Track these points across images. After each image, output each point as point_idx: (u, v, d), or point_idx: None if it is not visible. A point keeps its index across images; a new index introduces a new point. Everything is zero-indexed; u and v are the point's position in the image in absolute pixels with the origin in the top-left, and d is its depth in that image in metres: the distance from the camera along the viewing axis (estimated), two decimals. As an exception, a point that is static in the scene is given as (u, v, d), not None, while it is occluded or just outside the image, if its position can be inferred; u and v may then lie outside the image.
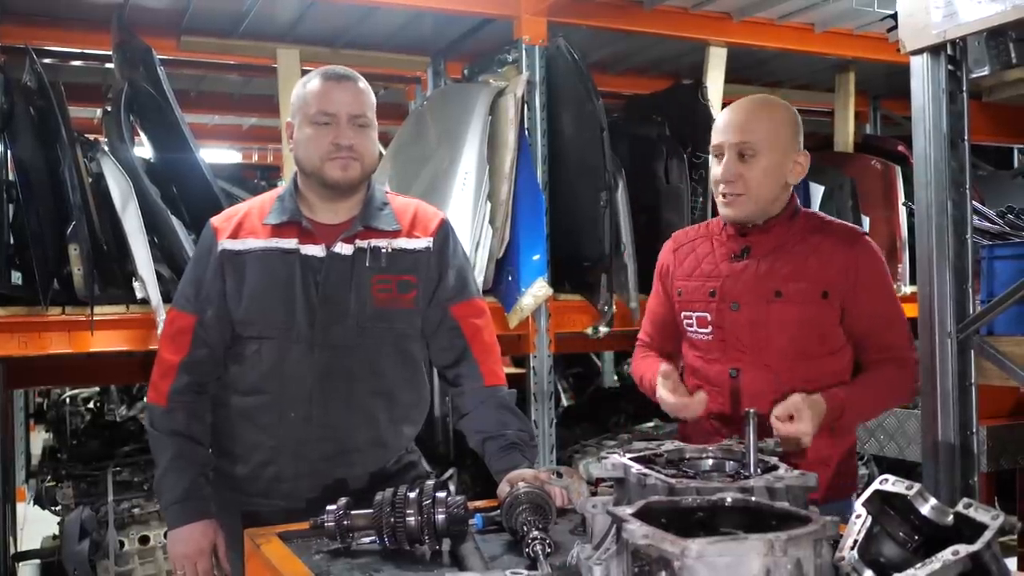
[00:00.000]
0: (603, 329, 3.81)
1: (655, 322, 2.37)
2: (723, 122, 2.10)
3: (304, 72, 4.12)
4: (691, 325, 2.21)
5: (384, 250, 2.08)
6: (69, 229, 2.98)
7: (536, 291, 3.64)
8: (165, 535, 3.97)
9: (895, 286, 4.84)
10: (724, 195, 2.09)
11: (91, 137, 3.70)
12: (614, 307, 3.80)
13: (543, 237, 3.71)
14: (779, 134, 2.08)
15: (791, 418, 1.93)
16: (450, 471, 4.20)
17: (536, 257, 3.68)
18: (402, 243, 2.11)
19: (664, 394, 2.10)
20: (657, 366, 2.19)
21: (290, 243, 2.06)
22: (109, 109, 3.55)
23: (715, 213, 4.06)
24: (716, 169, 2.11)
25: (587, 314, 3.91)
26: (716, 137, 2.11)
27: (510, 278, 3.70)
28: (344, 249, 2.06)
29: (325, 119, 2.02)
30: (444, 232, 2.18)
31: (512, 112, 3.69)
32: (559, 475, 1.83)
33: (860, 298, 2.08)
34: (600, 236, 3.71)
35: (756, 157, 2.05)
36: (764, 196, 2.08)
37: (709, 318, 2.16)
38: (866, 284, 2.08)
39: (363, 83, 2.09)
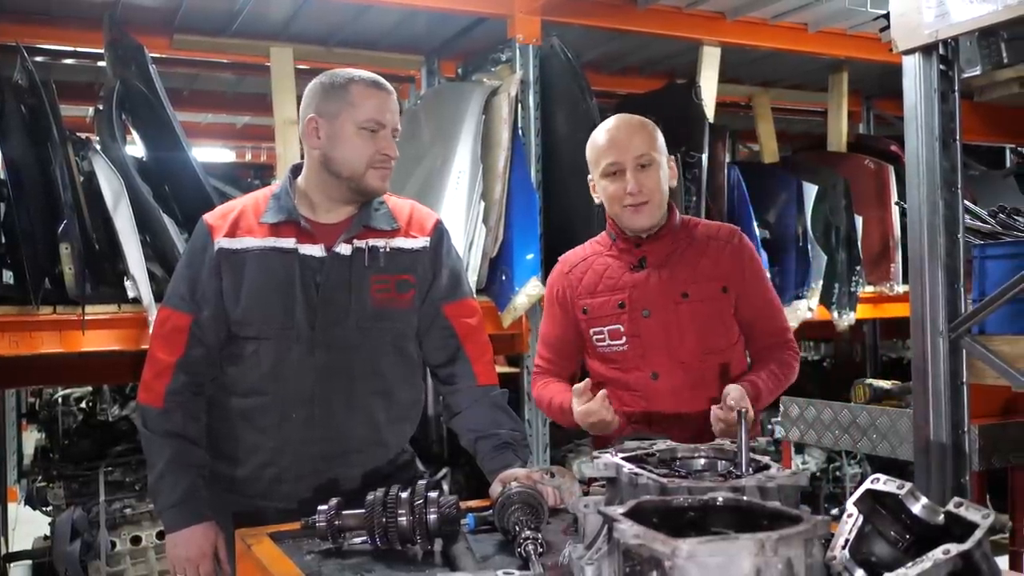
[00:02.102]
0: (596, 328, 3.81)
1: (552, 345, 2.41)
2: (610, 143, 2.23)
3: (299, 71, 4.14)
4: (603, 340, 2.28)
5: (382, 250, 2.07)
6: (60, 228, 2.97)
7: (530, 290, 3.64)
8: (157, 535, 4.00)
9: (888, 285, 4.92)
10: (631, 206, 2.20)
11: (83, 136, 3.68)
12: (607, 306, 3.80)
13: (537, 236, 3.71)
14: (658, 143, 2.24)
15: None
16: (444, 471, 4.19)
17: (530, 256, 3.68)
18: (399, 243, 2.10)
19: (578, 408, 2.14)
20: (564, 389, 2.26)
21: (288, 243, 2.04)
22: (101, 107, 3.53)
23: (709, 211, 4.08)
24: (614, 186, 2.21)
25: (580, 313, 3.90)
26: (608, 157, 2.22)
27: (504, 277, 3.70)
28: (343, 249, 2.05)
29: (374, 127, 2.02)
30: (439, 232, 2.18)
31: (506, 111, 3.69)
32: (551, 475, 1.83)
33: (749, 287, 2.26)
34: (594, 235, 3.71)
35: (652, 166, 2.20)
36: (662, 201, 2.24)
37: (622, 329, 2.25)
38: (752, 275, 2.26)
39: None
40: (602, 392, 2.13)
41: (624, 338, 2.24)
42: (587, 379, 2.20)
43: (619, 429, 2.24)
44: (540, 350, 2.45)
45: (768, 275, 2.36)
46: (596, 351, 2.31)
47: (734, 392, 2.02)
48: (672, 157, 2.28)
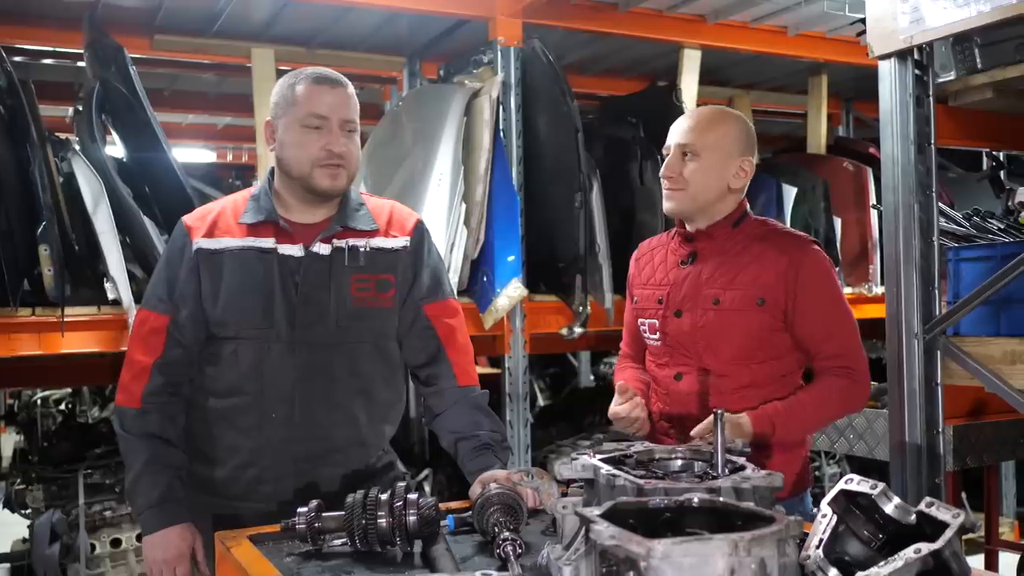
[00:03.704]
0: (578, 330, 3.83)
1: (630, 332, 2.44)
2: (675, 126, 2.24)
3: (280, 72, 4.13)
4: (645, 332, 2.30)
5: (362, 249, 2.07)
6: (39, 229, 2.95)
7: (511, 292, 3.65)
8: (138, 538, 3.98)
9: (867, 286, 4.95)
10: (665, 190, 2.21)
11: (62, 136, 3.66)
12: (589, 308, 3.82)
13: (518, 238, 3.72)
14: (722, 138, 2.17)
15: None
16: (425, 472, 4.19)
17: (511, 258, 3.69)
18: (379, 242, 2.10)
19: (611, 407, 2.18)
20: (633, 375, 2.30)
21: (267, 242, 2.04)
22: (80, 108, 3.52)
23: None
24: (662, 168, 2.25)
25: (562, 315, 3.92)
26: (667, 140, 2.25)
27: (485, 279, 3.71)
28: (322, 249, 2.05)
29: (316, 123, 2.00)
30: (420, 232, 2.18)
31: (487, 113, 3.70)
32: (531, 476, 1.84)
33: (800, 304, 2.12)
34: (575, 237, 3.73)
35: (696, 157, 2.16)
36: (702, 194, 2.17)
37: (657, 324, 2.24)
38: (806, 290, 2.12)
39: (351, 88, 2.08)
40: (637, 399, 2.15)
41: (657, 333, 2.24)
42: (624, 381, 2.21)
43: (648, 427, 2.25)
44: (624, 335, 2.48)
45: (840, 293, 2.20)
46: (645, 341, 2.33)
47: (704, 425, 1.97)
48: (749, 158, 2.20)
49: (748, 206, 2.25)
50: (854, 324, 2.19)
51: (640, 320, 2.30)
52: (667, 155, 2.22)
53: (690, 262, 2.22)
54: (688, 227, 2.24)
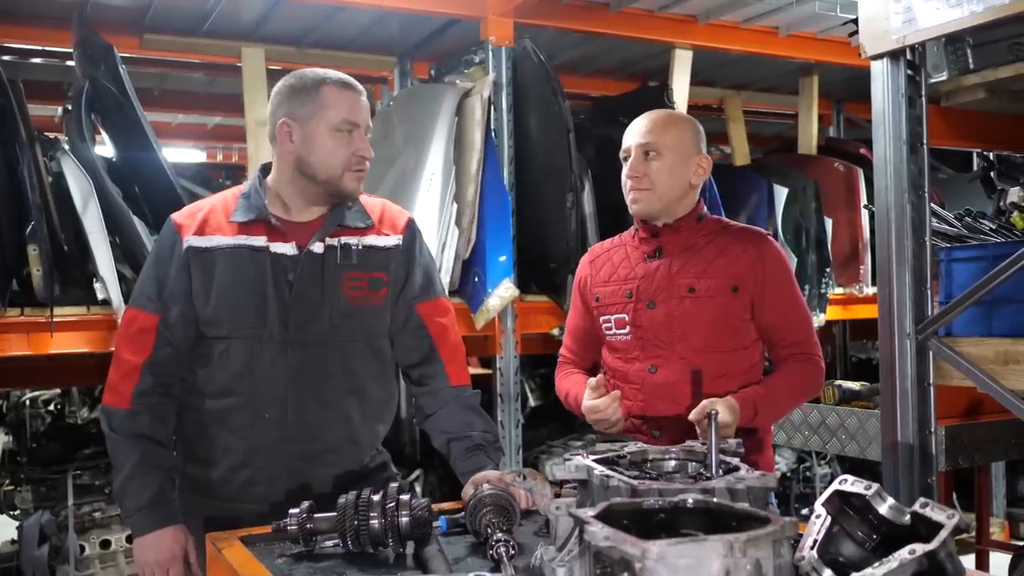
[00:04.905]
0: (569, 330, 3.82)
1: (576, 336, 2.47)
2: (630, 130, 2.30)
3: (270, 72, 4.12)
4: (610, 328, 2.32)
5: (355, 247, 2.07)
6: (28, 229, 2.94)
7: (502, 292, 3.65)
8: (127, 539, 3.97)
9: (857, 287, 4.97)
10: (632, 191, 2.25)
11: (51, 136, 3.64)
12: (580, 308, 3.81)
13: (509, 238, 3.72)
14: (680, 138, 2.26)
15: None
16: (416, 473, 4.17)
17: (502, 258, 3.68)
18: (372, 240, 2.10)
19: (586, 402, 2.20)
20: (582, 381, 2.30)
21: (259, 241, 2.03)
22: (70, 107, 3.50)
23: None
24: (624, 170, 2.28)
25: (553, 315, 3.92)
26: (624, 143, 2.29)
27: (476, 279, 3.70)
28: (316, 247, 2.04)
29: (349, 127, 2.01)
30: (412, 231, 2.18)
31: (479, 113, 3.69)
32: (523, 477, 1.83)
33: (767, 294, 2.22)
34: (566, 237, 3.73)
35: (659, 156, 2.23)
36: (668, 193, 2.24)
37: (627, 319, 2.27)
38: (772, 281, 2.23)
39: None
40: (615, 392, 2.18)
41: (628, 327, 2.26)
42: (600, 375, 2.23)
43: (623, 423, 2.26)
44: (565, 339, 2.50)
45: (796, 284, 2.31)
46: (606, 339, 2.34)
47: (706, 404, 2.00)
48: (705, 155, 2.29)
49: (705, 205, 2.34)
50: (809, 315, 2.34)
51: (604, 317, 2.33)
52: (626, 157, 2.27)
53: (657, 256, 2.27)
54: (649, 222, 2.29)
